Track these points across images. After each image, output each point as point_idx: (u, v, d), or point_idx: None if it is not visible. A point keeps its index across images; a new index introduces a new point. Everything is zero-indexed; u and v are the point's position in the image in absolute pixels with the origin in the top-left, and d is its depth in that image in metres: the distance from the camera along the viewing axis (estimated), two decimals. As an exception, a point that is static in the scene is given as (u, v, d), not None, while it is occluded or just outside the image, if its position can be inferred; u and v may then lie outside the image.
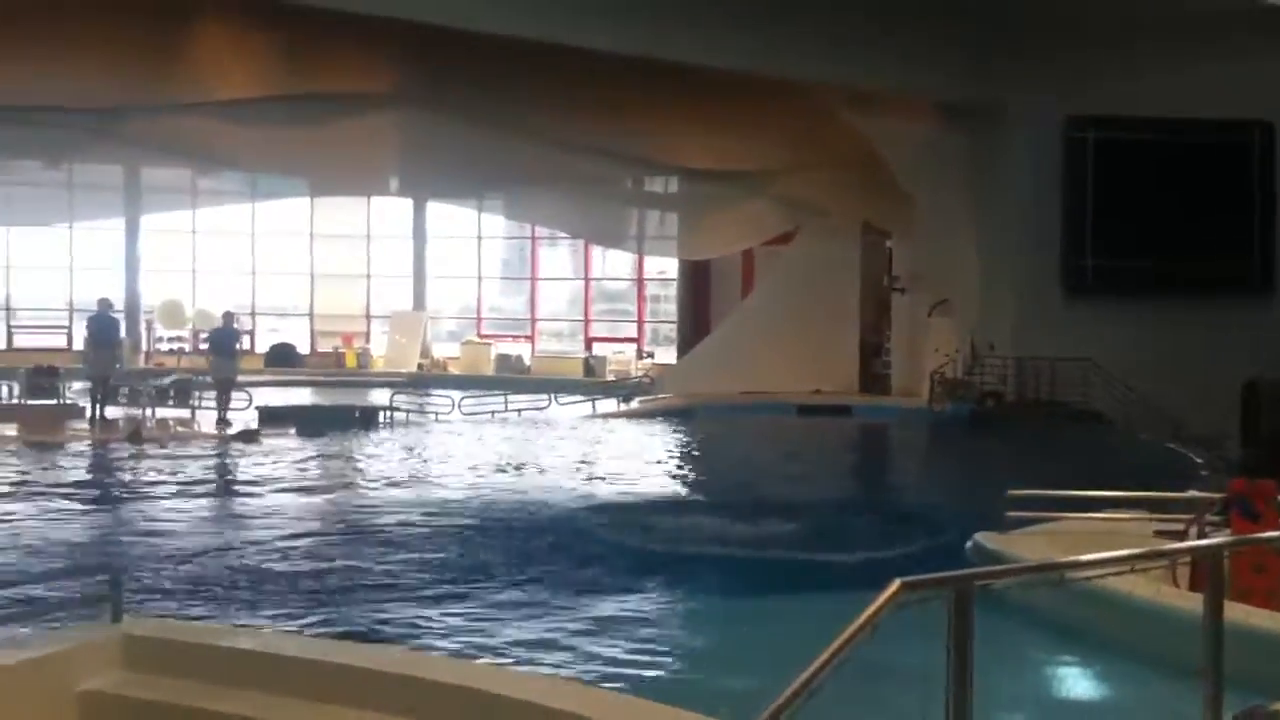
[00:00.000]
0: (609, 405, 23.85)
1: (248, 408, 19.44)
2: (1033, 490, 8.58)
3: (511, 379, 27.78)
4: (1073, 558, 4.69)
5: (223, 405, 18.83)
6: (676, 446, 19.80)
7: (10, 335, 29.75)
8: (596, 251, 32.47)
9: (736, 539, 10.94)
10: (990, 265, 21.75)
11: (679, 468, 17.28)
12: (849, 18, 18.94)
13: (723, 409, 23.18)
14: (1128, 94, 20.18)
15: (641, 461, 17.11)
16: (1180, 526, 7.59)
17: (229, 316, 20.88)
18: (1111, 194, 20.73)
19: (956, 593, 3.50)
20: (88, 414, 18.52)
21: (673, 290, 31.09)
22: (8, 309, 30.39)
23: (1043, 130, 20.93)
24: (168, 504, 12.46)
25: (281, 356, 30.34)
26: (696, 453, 19.38)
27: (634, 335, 31.57)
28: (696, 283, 29.78)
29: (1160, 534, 7.66)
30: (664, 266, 31.77)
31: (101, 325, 19.19)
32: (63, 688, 4.62)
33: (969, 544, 8.27)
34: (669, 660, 7.28)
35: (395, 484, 14.23)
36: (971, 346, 21.80)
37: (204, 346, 28.87)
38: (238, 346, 20.64)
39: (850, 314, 25.81)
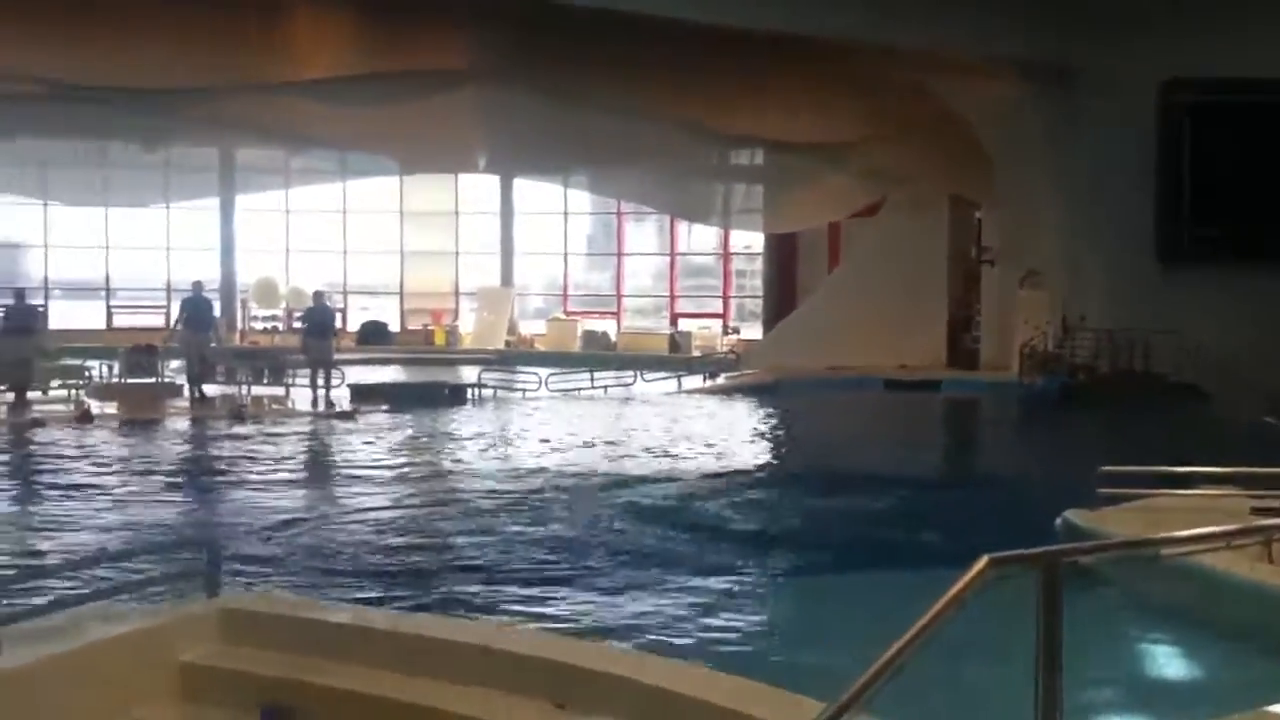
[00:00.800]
0: (695, 381, 23.86)
1: (340, 385, 19.72)
2: (1125, 466, 8.44)
3: (598, 355, 27.87)
4: (1165, 534, 4.64)
5: (317, 384, 19.13)
6: (763, 422, 19.76)
7: (110, 315, 30.45)
8: (682, 226, 32.42)
9: (824, 515, 10.94)
10: (1080, 235, 21.36)
11: (766, 444, 17.25)
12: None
13: (809, 384, 23.06)
14: (1225, 55, 19.59)
15: (729, 438, 17.08)
16: (1278, 503, 7.44)
17: (320, 296, 21.19)
18: (1209, 159, 20.23)
19: (1045, 570, 3.48)
20: (185, 392, 18.94)
21: (758, 265, 30.97)
22: (107, 289, 31.14)
23: (1136, 94, 20.45)
24: (264, 481, 12.72)
25: (372, 334, 30.77)
26: (783, 429, 19.32)
27: (719, 310, 31.53)
28: (782, 257, 29.63)
29: (1257, 510, 7.51)
30: (749, 241, 31.66)
31: (196, 306, 19.63)
32: (164, 659, 4.75)
33: (1058, 521, 8.17)
34: (758, 637, 7.33)
35: (487, 461, 14.39)
36: (1063, 319, 21.46)
37: (298, 325, 29.55)
38: (332, 325, 20.95)
39: (938, 287, 25.52)
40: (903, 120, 23.37)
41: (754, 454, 16.01)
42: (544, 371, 22.45)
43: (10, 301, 18.80)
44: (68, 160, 26.65)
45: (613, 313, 32.36)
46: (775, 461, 15.59)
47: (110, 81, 18.15)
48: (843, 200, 26.58)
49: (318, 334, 19.57)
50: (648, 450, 15.18)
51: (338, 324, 30.67)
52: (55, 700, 4.32)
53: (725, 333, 30.37)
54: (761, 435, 18.31)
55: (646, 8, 17.05)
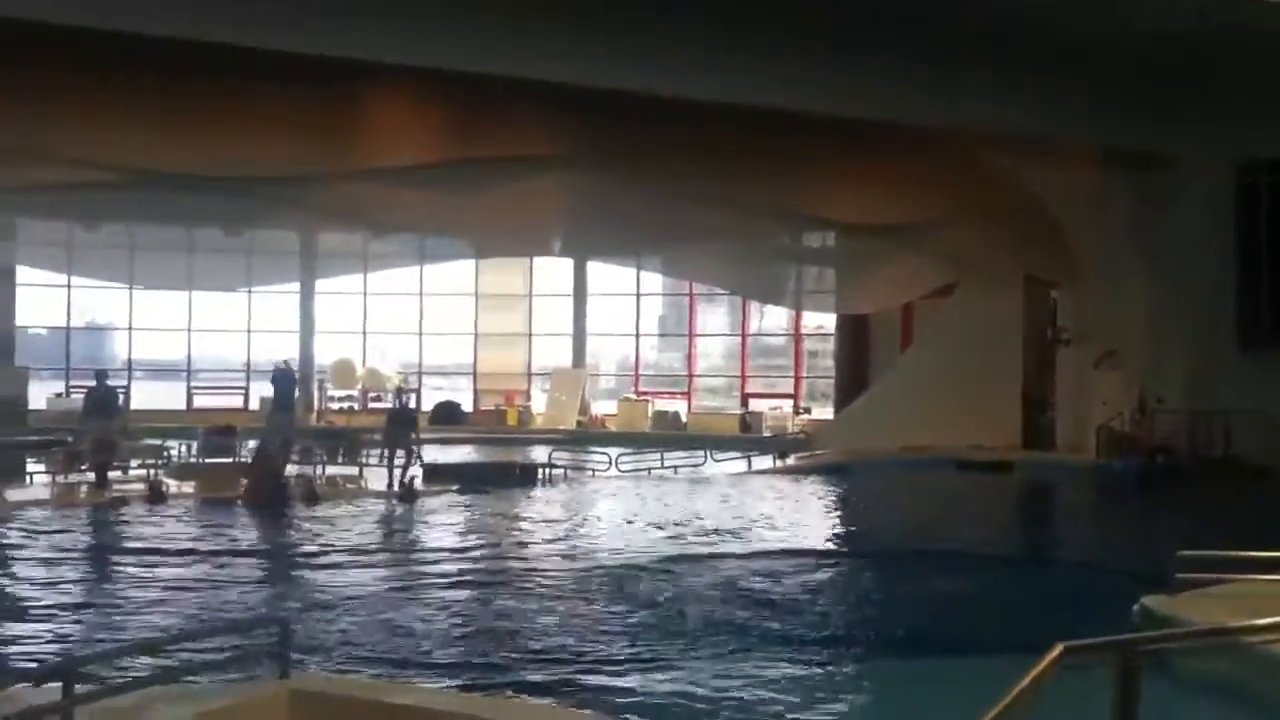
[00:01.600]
0: (766, 462, 23.75)
1: (414, 465, 19.86)
2: (1205, 550, 8.26)
3: (668, 435, 27.89)
4: (1245, 622, 4.52)
5: (393, 464, 19.17)
6: (835, 503, 19.60)
7: (190, 396, 31.04)
8: (754, 306, 32.50)
9: (897, 598, 10.80)
10: (1160, 315, 21.11)
11: (838, 525, 17.09)
12: (1014, 67, 18.71)
13: (881, 465, 22.89)
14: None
15: (801, 519, 17.00)
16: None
17: (401, 393, 21.50)
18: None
19: (1121, 658, 3.42)
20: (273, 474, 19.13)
21: (830, 345, 30.92)
22: (188, 371, 31.78)
23: (1214, 176, 20.32)
24: (336, 561, 12.83)
25: (446, 414, 31.06)
26: (855, 510, 19.15)
27: (791, 391, 31.46)
28: (855, 337, 29.57)
29: (1342, 597, 7.31)
30: (822, 321, 31.65)
31: (281, 386, 19.97)
32: None
33: (1135, 607, 8.00)
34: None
35: (557, 542, 14.37)
36: (1140, 400, 21.14)
37: (375, 405, 29.95)
38: (411, 408, 21.19)
39: (1013, 367, 25.27)
40: (979, 201, 23.32)
41: (826, 535, 15.89)
42: (614, 451, 22.50)
43: (93, 383, 19.19)
44: (154, 245, 27.33)
45: (684, 393, 32.39)
46: (847, 543, 15.44)
47: (198, 170, 18.63)
48: (917, 281, 26.52)
49: (398, 422, 19.58)
50: (718, 531, 15.10)
51: (413, 405, 31.20)
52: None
53: (796, 413, 30.26)
54: (833, 516, 18.16)
55: (728, 95, 17.26)
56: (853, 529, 16.86)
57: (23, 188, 20.19)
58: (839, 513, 18.77)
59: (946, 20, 17.06)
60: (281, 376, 20.12)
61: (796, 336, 31.97)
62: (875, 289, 27.61)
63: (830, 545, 14.97)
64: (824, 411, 29.99)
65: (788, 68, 17.42)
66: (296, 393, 21.72)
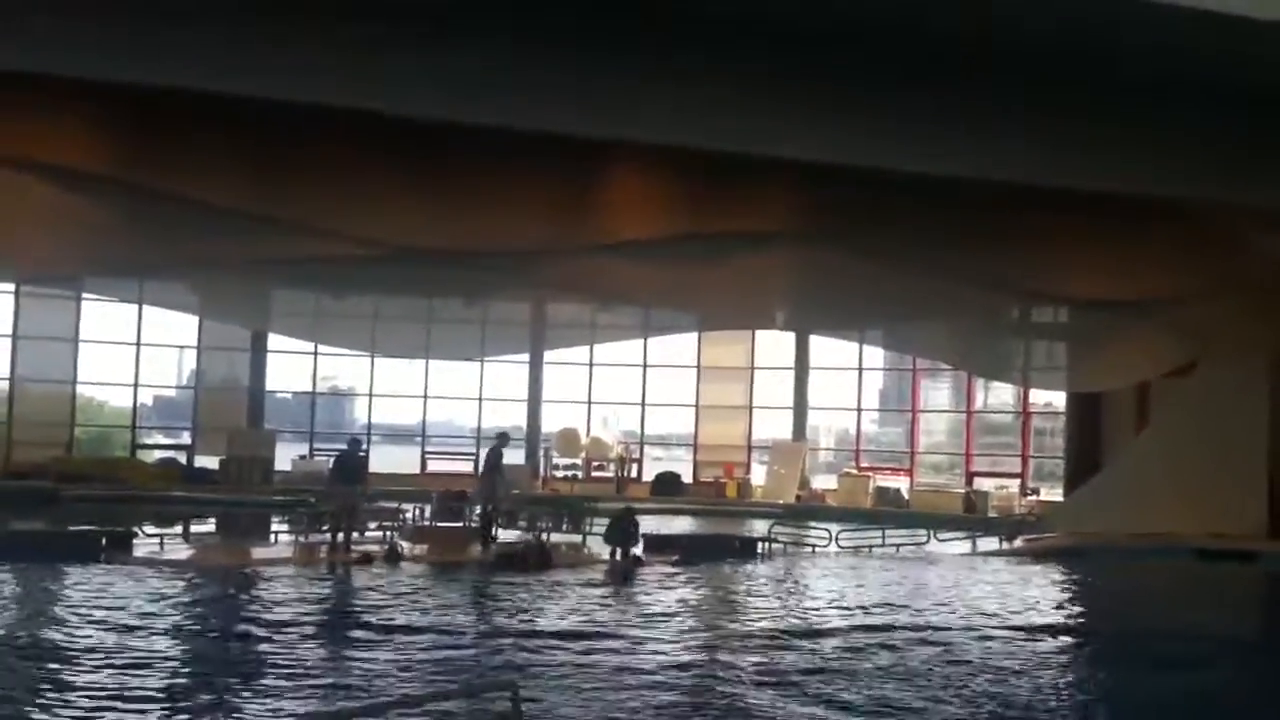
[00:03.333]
0: (991, 543, 23.17)
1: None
2: None
3: (890, 512, 27.50)
4: None
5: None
6: (1066, 590, 18.92)
7: (424, 460, 32.26)
8: (979, 382, 31.86)
9: (1140, 694, 10.42)
10: None
11: (1072, 614, 16.49)
12: (1263, 137, 17.92)
13: (1113, 550, 22.01)
14: None
15: (1033, 605, 16.44)
16: None
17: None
18: None
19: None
20: (482, 537, 19.75)
21: (1059, 423, 30.02)
22: (423, 435, 33.08)
23: None
24: (564, 627, 13.15)
25: (666, 485, 31.39)
26: (1088, 597, 18.42)
27: (1018, 470, 30.60)
28: (1086, 415, 28.58)
29: None
30: (1051, 399, 30.77)
31: (494, 452, 20.72)
32: None
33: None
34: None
35: (779, 618, 14.33)
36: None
37: (597, 474, 30.59)
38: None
39: (1257, 449, 23.96)
40: (1222, 275, 22.36)
41: (1059, 623, 15.32)
42: (834, 527, 22.32)
43: (344, 448, 20.13)
44: (396, 315, 28.63)
45: (905, 469, 31.90)
46: (1082, 634, 14.82)
47: (445, 244, 19.45)
48: (1154, 359, 25.48)
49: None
50: (948, 611, 14.81)
51: (633, 474, 31.71)
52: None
53: (1024, 493, 29.41)
54: (1066, 604, 17.51)
55: (970, 171, 17.08)
56: (1089, 619, 16.18)
57: (280, 260, 21.44)
58: (1073, 600, 18.07)
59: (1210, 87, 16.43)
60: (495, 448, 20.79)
61: (1024, 414, 31.13)
62: (1109, 366, 26.66)
63: (1063, 635, 14.44)
64: (1053, 493, 29.05)
65: (1031, 142, 17.08)
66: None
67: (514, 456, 27.80)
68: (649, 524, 21.39)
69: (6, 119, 15.96)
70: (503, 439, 21.49)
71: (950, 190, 18.78)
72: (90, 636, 11.56)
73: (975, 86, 15.38)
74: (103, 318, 30.56)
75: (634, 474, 32.26)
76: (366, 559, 17.53)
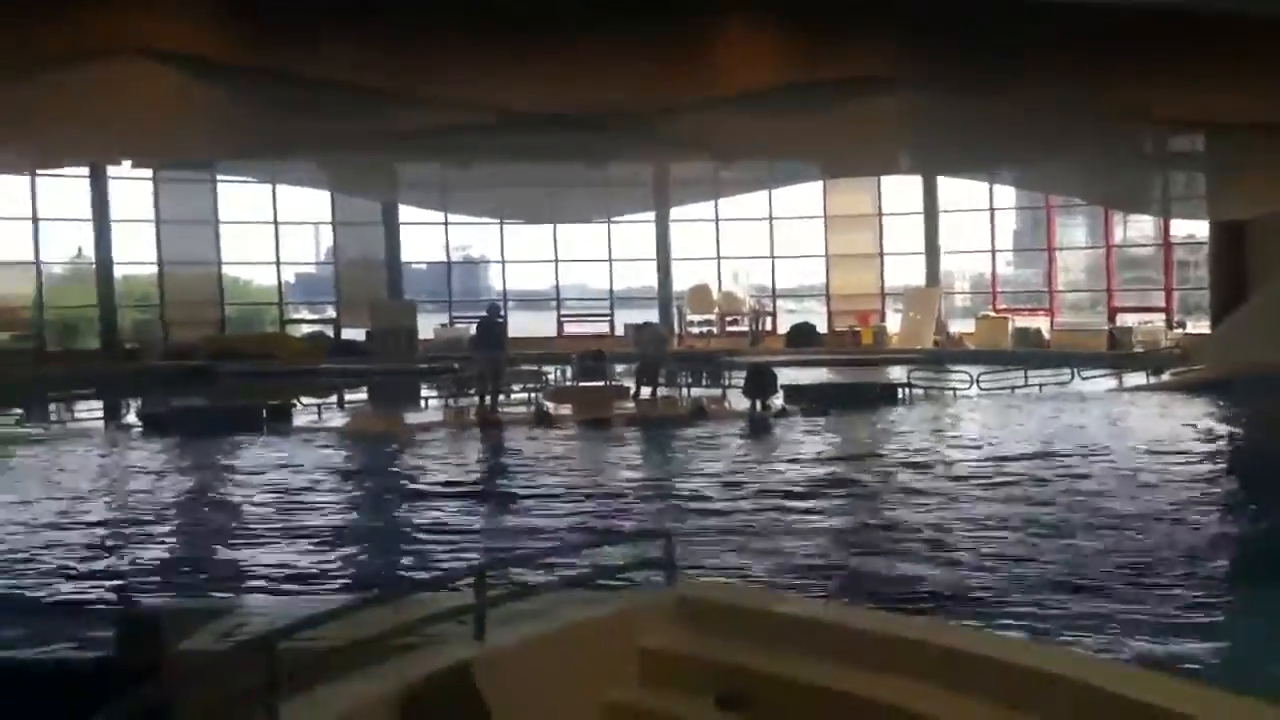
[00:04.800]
0: (1137, 379, 22.77)
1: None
2: None
3: (1031, 353, 27.14)
4: None
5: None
6: (1222, 423, 18.52)
7: (560, 324, 32.72)
8: (1117, 217, 30.96)
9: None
10: None
11: (1232, 447, 16.21)
12: None
13: (1267, 380, 21.44)
14: None
15: (1193, 440, 16.15)
16: None
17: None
18: None
19: None
20: (632, 393, 20.11)
21: (1203, 254, 29.10)
22: (557, 300, 33.51)
23: None
24: (710, 475, 13.42)
25: (801, 337, 31.37)
26: (1247, 430, 18.02)
27: (1162, 305, 29.84)
28: (1231, 244, 27.62)
29: None
30: (1193, 229, 29.80)
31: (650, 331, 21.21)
32: (626, 644, 5.00)
33: None
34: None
35: (932, 463, 14.30)
36: None
37: (732, 329, 30.74)
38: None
39: None
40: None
41: (1228, 459, 15.10)
42: (975, 370, 22.15)
43: (484, 314, 20.54)
44: (519, 181, 28.80)
45: (1045, 309, 31.34)
46: (1244, 467, 14.55)
47: (555, 108, 19.46)
48: (1299, 183, 24.46)
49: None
50: (1116, 453, 14.67)
51: (767, 327, 31.77)
52: (534, 680, 4.67)
53: (1169, 327, 28.73)
54: (1224, 437, 17.17)
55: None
56: (1248, 453, 15.88)
57: (403, 133, 21.67)
58: (1230, 434, 17.70)
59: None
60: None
61: (1166, 247, 30.22)
62: (1253, 192, 25.60)
63: (1221, 469, 14.25)
64: (1199, 325, 28.33)
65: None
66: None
67: (649, 316, 28.09)
68: (786, 376, 21.49)
69: (133, 8, 16.31)
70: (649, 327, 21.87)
71: (1069, 21, 18.09)
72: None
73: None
74: (240, 199, 31.39)
75: (768, 327, 32.32)
76: (548, 416, 18.05)
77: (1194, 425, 17.39)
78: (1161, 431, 16.64)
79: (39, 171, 28.21)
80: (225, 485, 13.50)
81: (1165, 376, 23.01)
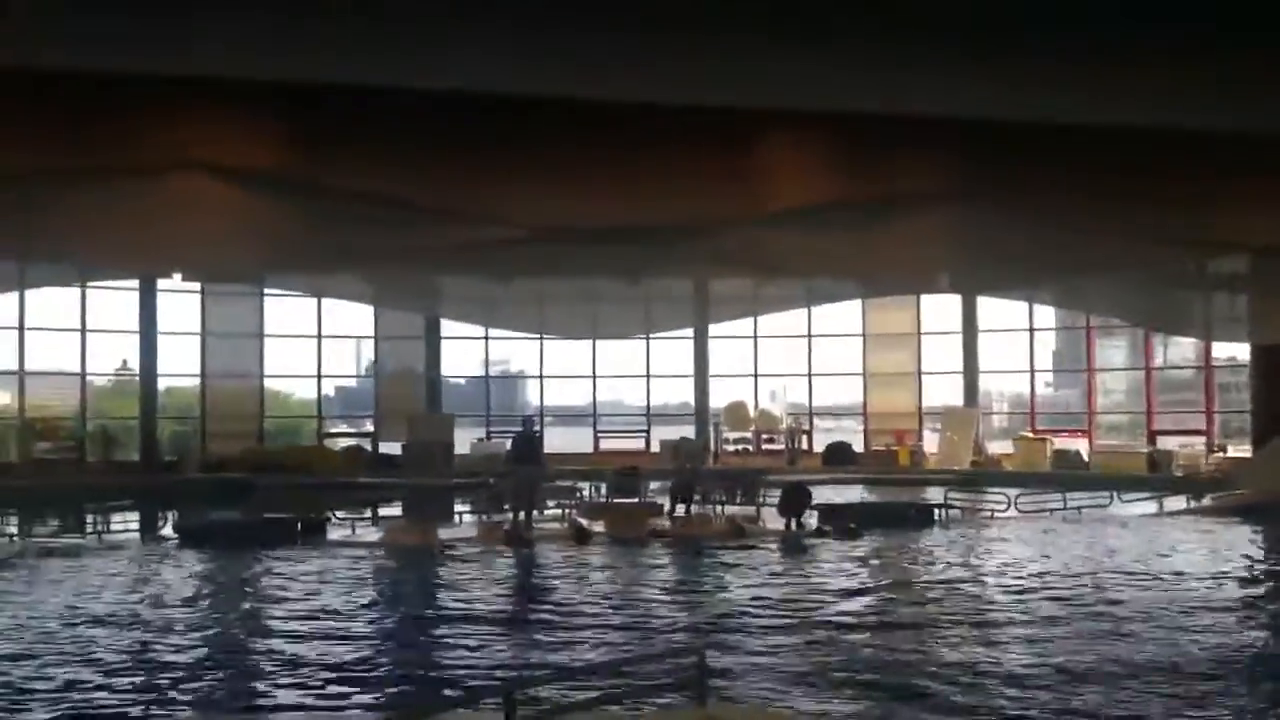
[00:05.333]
0: (1178, 503, 22.49)
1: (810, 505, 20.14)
2: None
3: (1069, 475, 26.90)
4: None
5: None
6: (1265, 547, 18.24)
7: (596, 439, 32.76)
8: (1157, 338, 30.88)
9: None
10: None
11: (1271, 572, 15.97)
12: None
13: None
14: None
15: (1233, 564, 15.97)
16: None
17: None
18: None
19: None
20: (667, 510, 20.03)
21: (1244, 377, 28.90)
22: (594, 415, 33.60)
23: None
24: (749, 594, 13.33)
25: (838, 455, 31.27)
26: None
27: (1203, 427, 29.58)
28: (1273, 368, 27.45)
29: None
30: (1234, 352, 29.65)
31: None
32: None
33: None
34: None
35: (967, 583, 14.26)
36: None
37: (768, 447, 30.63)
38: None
39: None
40: None
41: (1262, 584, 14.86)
42: (1012, 492, 21.96)
43: (520, 429, 20.57)
44: (561, 297, 29.09)
45: (1083, 431, 31.12)
46: None
47: (600, 223, 19.70)
48: (1342, 306, 24.40)
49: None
50: (1157, 577, 14.51)
51: (804, 446, 31.68)
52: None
53: (1210, 450, 28.44)
54: (1265, 562, 16.91)
55: (1118, 116, 16.61)
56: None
57: (448, 247, 22.00)
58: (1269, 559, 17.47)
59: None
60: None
61: (1207, 369, 30.06)
62: (1295, 316, 25.59)
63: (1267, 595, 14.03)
64: (1240, 449, 28.03)
65: (1186, 81, 16.51)
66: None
67: (685, 432, 28.08)
68: (822, 494, 21.37)
69: (194, 124, 16.78)
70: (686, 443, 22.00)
71: (1116, 141, 18.27)
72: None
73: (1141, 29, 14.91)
74: (284, 313, 31.91)
75: (804, 445, 32.24)
76: (585, 532, 18.05)
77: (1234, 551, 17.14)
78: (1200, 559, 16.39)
79: (89, 284, 28.80)
80: (247, 602, 13.45)
81: (1206, 501, 22.71)
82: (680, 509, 19.80)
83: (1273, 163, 19.91)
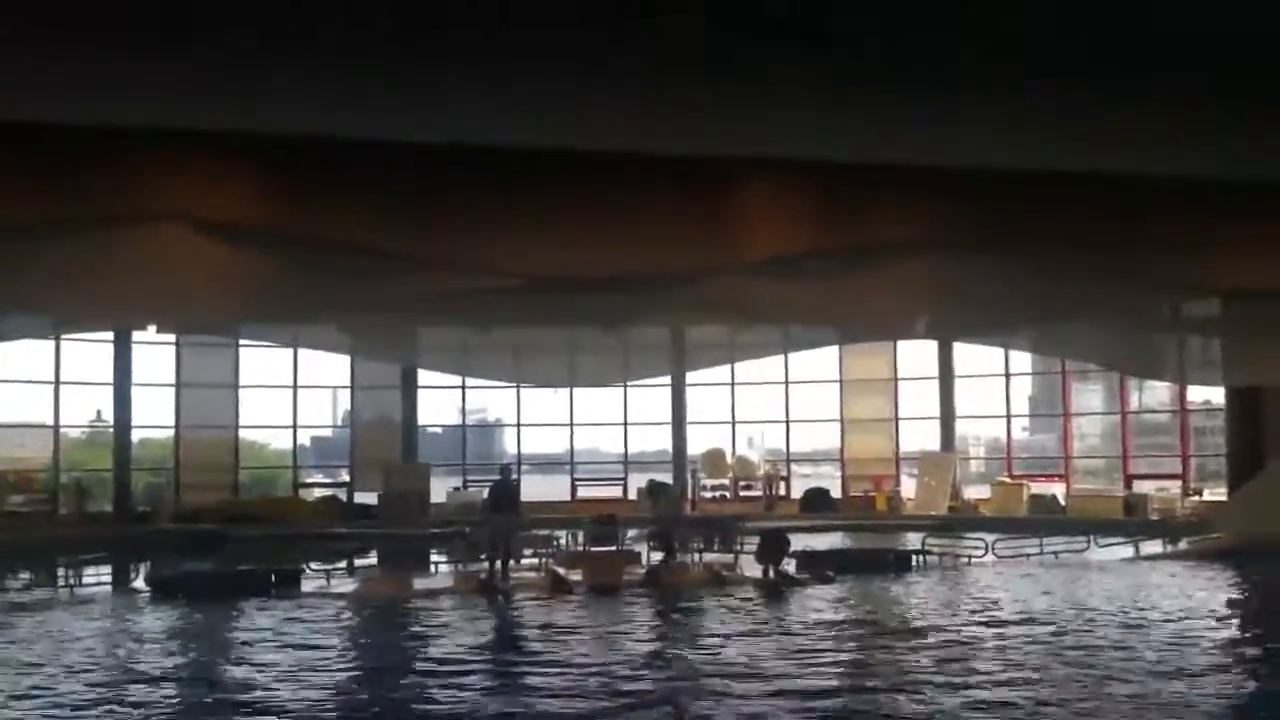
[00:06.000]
0: (1154, 547, 22.56)
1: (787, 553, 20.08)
2: None
3: (1046, 520, 26.95)
4: None
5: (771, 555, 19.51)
6: (1240, 593, 18.29)
7: (574, 487, 32.66)
8: (1132, 382, 31.07)
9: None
10: None
11: (1248, 619, 15.98)
12: None
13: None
14: None
15: (1204, 612, 16.00)
16: None
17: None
18: None
19: None
20: (643, 560, 19.96)
21: (1220, 420, 29.08)
22: (571, 463, 33.52)
23: None
24: (726, 644, 13.25)
25: (815, 501, 31.26)
26: (1265, 601, 17.79)
27: (1178, 471, 29.71)
28: (1247, 410, 27.63)
29: None
30: (1209, 395, 29.85)
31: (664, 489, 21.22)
32: None
33: None
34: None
35: (945, 629, 14.22)
36: None
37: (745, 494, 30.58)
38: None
39: None
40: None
41: (1240, 632, 14.86)
42: (989, 537, 21.99)
43: (498, 477, 20.48)
44: (537, 346, 29.09)
45: (1060, 475, 31.22)
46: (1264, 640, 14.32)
47: (579, 273, 19.74)
48: (1315, 349, 24.57)
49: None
50: (1133, 619, 14.51)
51: (781, 492, 31.66)
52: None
53: (1186, 494, 28.55)
54: (1241, 608, 16.94)
55: (1098, 163, 16.77)
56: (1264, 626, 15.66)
57: (426, 296, 21.98)
58: (1247, 604, 17.49)
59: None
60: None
61: (1182, 413, 30.24)
62: (1270, 358, 25.73)
63: (1237, 641, 14.03)
64: (1216, 492, 28.15)
65: (1170, 130, 16.68)
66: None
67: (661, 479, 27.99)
68: (800, 541, 21.33)
69: (169, 176, 16.76)
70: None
71: (1085, 190, 18.44)
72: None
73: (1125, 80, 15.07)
74: (260, 363, 31.75)
75: (782, 491, 32.22)
76: (564, 586, 17.88)
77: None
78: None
79: (63, 336, 28.62)
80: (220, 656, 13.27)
81: (1182, 544, 22.78)
82: (657, 557, 19.72)
83: (1242, 206, 20.13)
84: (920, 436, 32.86)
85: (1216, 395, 29.22)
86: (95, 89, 12.10)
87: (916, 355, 32.74)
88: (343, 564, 20.71)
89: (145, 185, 16.63)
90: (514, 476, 21.00)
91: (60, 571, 19.72)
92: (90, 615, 15.95)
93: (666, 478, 29.76)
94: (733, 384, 33.21)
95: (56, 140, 15.73)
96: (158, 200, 16.68)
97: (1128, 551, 22.18)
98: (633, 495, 30.35)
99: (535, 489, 30.18)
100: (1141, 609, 15.62)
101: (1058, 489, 30.26)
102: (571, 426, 33.23)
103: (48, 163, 16.11)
